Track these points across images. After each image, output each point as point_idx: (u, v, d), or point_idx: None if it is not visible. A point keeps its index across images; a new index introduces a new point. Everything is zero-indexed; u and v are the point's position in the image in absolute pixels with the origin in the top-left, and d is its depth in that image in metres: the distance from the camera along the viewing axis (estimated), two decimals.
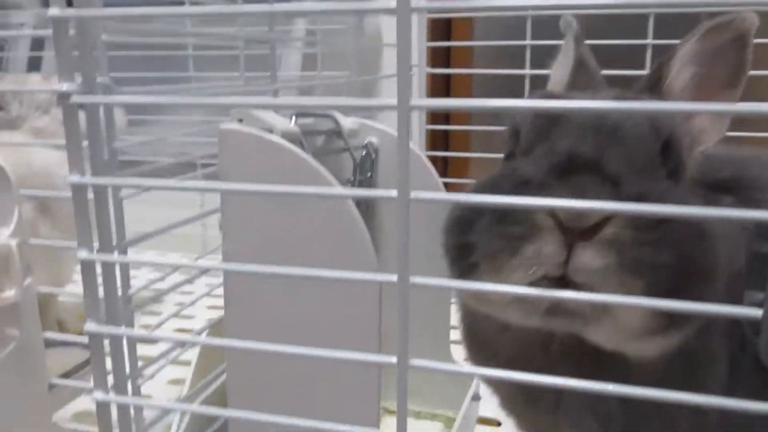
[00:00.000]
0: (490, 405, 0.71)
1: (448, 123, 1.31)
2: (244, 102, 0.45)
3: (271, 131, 0.42)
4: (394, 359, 0.31)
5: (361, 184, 0.59)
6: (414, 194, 0.29)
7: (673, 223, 0.28)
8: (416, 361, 0.31)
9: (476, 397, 0.65)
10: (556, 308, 0.31)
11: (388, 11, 0.28)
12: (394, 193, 0.29)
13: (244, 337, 0.43)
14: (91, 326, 0.34)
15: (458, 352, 0.72)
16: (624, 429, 0.35)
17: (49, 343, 0.52)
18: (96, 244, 0.35)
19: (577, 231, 0.29)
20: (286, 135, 0.43)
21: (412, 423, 0.64)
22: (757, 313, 0.25)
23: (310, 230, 0.40)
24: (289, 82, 1.01)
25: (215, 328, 0.56)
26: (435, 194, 0.31)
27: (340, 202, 0.39)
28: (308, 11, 0.77)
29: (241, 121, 0.43)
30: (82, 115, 0.34)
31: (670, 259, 0.28)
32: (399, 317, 0.31)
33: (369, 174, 0.59)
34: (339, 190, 0.39)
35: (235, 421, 0.46)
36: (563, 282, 0.30)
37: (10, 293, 0.47)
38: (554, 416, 0.37)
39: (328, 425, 0.33)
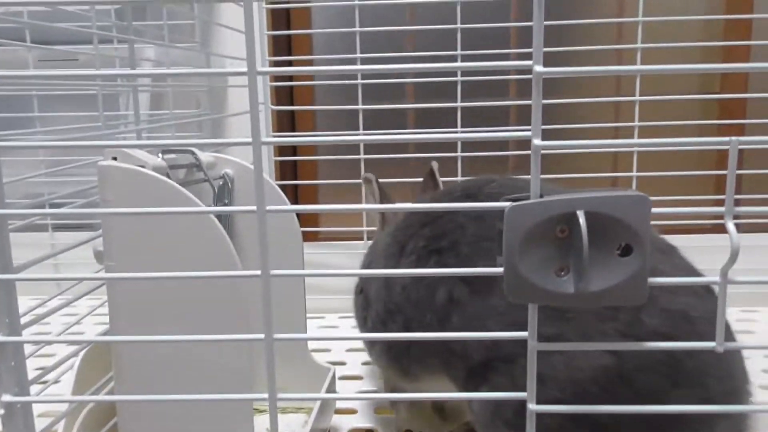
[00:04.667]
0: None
1: (295, 154, 1.43)
2: (130, 143, 0.52)
3: (143, 166, 0.50)
4: (261, 335, 0.41)
5: None
6: (269, 207, 0.39)
7: None
8: (279, 335, 0.41)
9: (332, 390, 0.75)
10: None
11: (239, 74, 0.39)
12: (254, 207, 0.39)
13: (131, 346, 0.51)
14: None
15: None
16: None
17: None
18: None
19: None
20: (157, 169, 0.51)
21: (279, 417, 0.72)
22: (500, 270, 0.38)
23: (183, 245, 0.48)
24: (149, 120, 1.06)
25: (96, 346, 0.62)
26: (286, 207, 0.41)
27: (208, 221, 0.48)
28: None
29: (115, 158, 0.51)
30: None
31: None
32: (263, 301, 0.40)
33: (226, 201, 0.68)
34: (209, 208, 0.48)
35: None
36: None
37: None
38: None
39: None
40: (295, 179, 1.41)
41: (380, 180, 0.80)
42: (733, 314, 1.04)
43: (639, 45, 1.01)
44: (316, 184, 1.41)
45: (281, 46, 1.42)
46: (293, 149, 1.44)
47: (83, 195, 0.92)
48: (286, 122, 1.44)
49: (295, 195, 1.41)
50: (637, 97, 1.04)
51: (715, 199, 1.21)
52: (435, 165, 0.77)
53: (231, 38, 1.16)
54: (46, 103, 1.16)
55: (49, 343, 0.52)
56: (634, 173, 1.05)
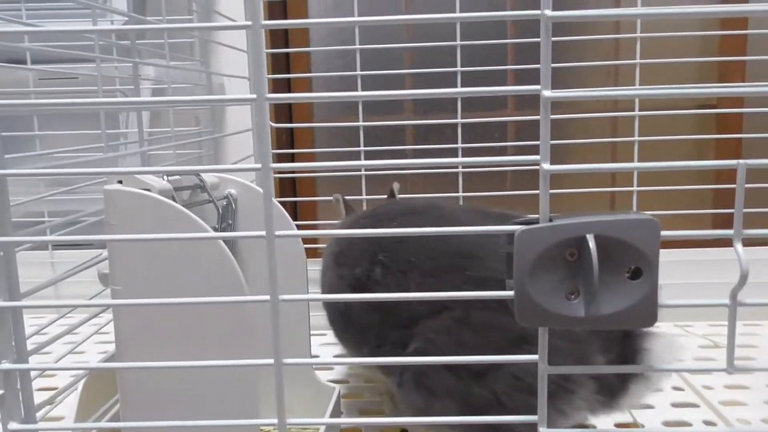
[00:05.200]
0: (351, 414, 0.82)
1: (293, 171, 1.43)
2: (147, 170, 0.52)
3: (148, 189, 0.50)
4: (270, 360, 0.41)
5: (224, 231, 0.68)
6: (278, 232, 0.39)
7: None
8: (289, 360, 0.41)
9: (337, 411, 0.75)
10: None
11: (247, 101, 0.39)
12: (263, 232, 0.39)
13: (136, 369, 0.50)
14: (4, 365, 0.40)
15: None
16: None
17: None
18: None
19: None
20: (162, 192, 0.51)
21: None
22: (510, 293, 0.38)
23: (189, 270, 0.48)
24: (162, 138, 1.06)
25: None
26: (294, 232, 0.41)
27: (215, 244, 0.48)
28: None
29: (120, 181, 0.51)
30: None
31: None
32: (272, 327, 0.40)
33: (230, 221, 0.68)
34: (217, 234, 0.48)
35: None
36: None
37: None
38: None
39: None
40: (295, 195, 1.41)
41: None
42: (737, 328, 1.04)
43: (637, 60, 1.02)
44: (315, 200, 1.41)
45: (280, 63, 1.43)
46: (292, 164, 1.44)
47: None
48: (285, 138, 1.44)
49: (294, 211, 1.41)
50: (636, 112, 1.05)
51: (715, 213, 1.21)
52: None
53: (230, 53, 1.17)
54: (46, 120, 1.16)
55: (54, 369, 0.52)
56: (635, 188, 1.05)
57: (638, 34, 1.02)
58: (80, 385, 0.57)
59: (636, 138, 1.03)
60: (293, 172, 1.41)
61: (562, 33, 1.06)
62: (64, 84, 1.16)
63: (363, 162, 0.38)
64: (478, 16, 0.39)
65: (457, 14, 0.40)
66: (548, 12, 0.36)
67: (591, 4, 1.42)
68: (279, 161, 1.28)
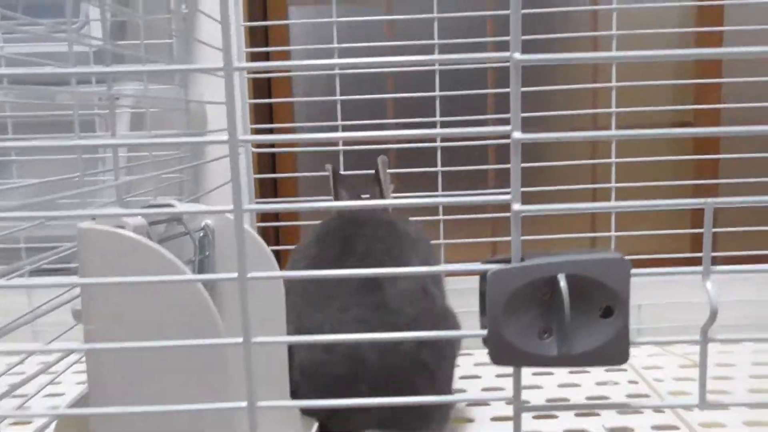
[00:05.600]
0: None
1: (276, 195, 1.43)
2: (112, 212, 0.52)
3: (123, 227, 0.50)
4: (244, 403, 0.40)
5: (201, 263, 0.67)
6: (251, 274, 0.39)
7: None
8: (263, 402, 0.41)
9: None
10: None
11: (222, 142, 0.39)
12: (235, 274, 0.39)
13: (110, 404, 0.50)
14: None
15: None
16: None
17: None
18: None
19: None
20: (137, 229, 0.51)
21: None
22: (483, 332, 0.38)
23: (164, 309, 0.47)
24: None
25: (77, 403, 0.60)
26: (268, 273, 0.41)
27: (190, 284, 0.48)
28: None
29: (94, 218, 0.50)
30: None
31: None
32: (245, 370, 0.40)
33: (207, 253, 0.67)
34: (190, 276, 0.48)
35: None
36: None
37: None
38: None
39: None
40: (277, 220, 1.40)
41: None
42: (714, 346, 1.05)
43: (613, 84, 1.03)
44: (298, 225, 1.41)
45: (261, 87, 1.43)
46: (274, 191, 1.43)
47: (62, 239, 0.90)
48: (266, 162, 1.44)
49: (276, 236, 1.41)
50: (614, 131, 1.06)
51: (694, 233, 1.23)
52: (382, 160, 0.84)
53: (212, 77, 1.17)
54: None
55: (19, 416, 0.51)
56: (612, 200, 1.05)
57: (614, 52, 1.04)
58: (53, 426, 0.56)
59: (613, 160, 1.04)
60: (276, 193, 1.41)
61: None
62: (41, 107, 1.15)
63: (344, 203, 0.39)
64: (453, 59, 0.39)
65: (436, 56, 0.40)
66: (517, 55, 0.36)
67: (567, 26, 1.43)
68: (261, 187, 1.27)
